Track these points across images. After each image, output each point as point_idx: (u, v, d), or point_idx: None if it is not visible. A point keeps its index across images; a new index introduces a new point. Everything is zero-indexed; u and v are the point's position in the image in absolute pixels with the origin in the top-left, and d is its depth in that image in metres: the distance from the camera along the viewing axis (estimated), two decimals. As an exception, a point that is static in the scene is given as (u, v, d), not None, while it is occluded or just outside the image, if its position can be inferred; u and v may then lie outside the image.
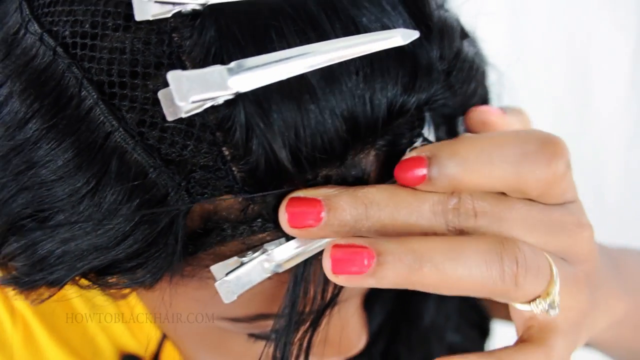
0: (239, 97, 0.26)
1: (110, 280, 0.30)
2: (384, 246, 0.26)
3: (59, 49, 0.28)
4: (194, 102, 0.25)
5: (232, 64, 0.25)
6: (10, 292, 0.31)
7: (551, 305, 0.28)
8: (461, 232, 0.28)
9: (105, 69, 0.27)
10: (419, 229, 0.28)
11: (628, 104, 1.03)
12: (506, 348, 0.29)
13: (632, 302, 0.40)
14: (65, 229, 0.28)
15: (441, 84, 0.30)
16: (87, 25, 0.28)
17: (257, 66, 0.25)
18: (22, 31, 0.29)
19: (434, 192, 0.28)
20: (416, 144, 0.31)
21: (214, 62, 0.26)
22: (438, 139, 0.34)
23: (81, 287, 0.31)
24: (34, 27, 0.28)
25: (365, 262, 0.26)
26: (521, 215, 0.28)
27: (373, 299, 0.48)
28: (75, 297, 0.34)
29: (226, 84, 0.25)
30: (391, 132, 0.30)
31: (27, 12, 0.29)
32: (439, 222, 0.28)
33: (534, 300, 0.28)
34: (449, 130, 0.35)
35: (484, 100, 0.41)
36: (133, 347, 0.47)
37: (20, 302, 0.43)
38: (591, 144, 1.03)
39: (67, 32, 0.28)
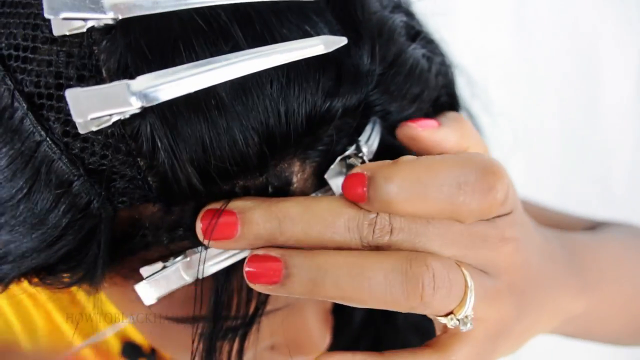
0: (145, 110, 0.26)
1: (64, 279, 0.31)
2: (293, 260, 0.27)
3: None
4: (93, 118, 0.25)
5: (137, 79, 0.25)
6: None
7: (463, 322, 0.28)
8: (376, 248, 0.28)
9: (34, 81, 0.28)
10: (334, 244, 0.28)
11: (636, 99, 1.01)
12: (402, 351, 0.29)
13: (595, 296, 0.39)
14: (5, 231, 0.29)
15: (373, 88, 0.30)
16: (19, 38, 0.28)
17: (163, 80, 0.25)
18: None
19: (351, 208, 0.28)
20: (348, 152, 0.30)
21: (123, 76, 0.26)
22: (389, 145, 0.33)
23: (33, 284, 0.32)
24: None
25: (276, 273, 0.27)
26: (439, 231, 0.28)
27: None
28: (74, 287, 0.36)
29: (128, 99, 0.25)
30: (321, 141, 0.29)
31: None
32: (353, 237, 0.28)
33: (447, 314, 0.28)
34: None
35: (451, 102, 0.40)
36: (137, 337, 0.48)
37: (41, 293, 0.45)
38: (598, 139, 1.01)
39: (3, 44, 0.29)
